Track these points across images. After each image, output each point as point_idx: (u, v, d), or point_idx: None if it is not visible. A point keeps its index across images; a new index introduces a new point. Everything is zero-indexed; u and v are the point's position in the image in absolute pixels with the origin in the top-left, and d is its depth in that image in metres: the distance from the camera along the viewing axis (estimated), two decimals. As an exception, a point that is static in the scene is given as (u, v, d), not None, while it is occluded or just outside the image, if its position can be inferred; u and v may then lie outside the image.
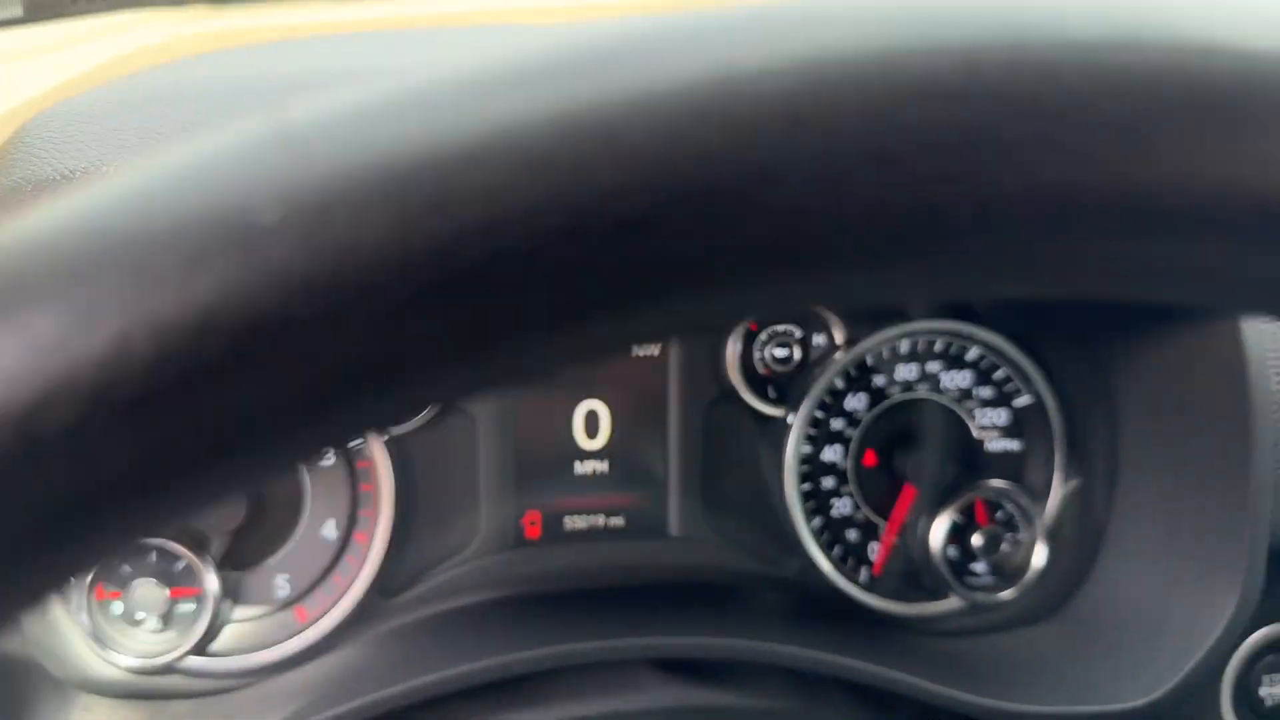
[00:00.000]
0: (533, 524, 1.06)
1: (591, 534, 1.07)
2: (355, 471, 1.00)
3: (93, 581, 0.93)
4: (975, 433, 1.11)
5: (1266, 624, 1.03)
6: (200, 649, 0.95)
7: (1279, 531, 0.94)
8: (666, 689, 0.98)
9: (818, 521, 1.09)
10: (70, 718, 0.87)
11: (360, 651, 0.97)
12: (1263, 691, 1.05)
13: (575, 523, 1.07)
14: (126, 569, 0.95)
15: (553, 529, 1.07)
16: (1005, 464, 1.12)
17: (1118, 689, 0.96)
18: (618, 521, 1.08)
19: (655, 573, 1.07)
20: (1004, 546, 1.09)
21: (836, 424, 1.09)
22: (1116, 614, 1.03)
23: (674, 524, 1.08)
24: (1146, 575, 1.02)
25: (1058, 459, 1.11)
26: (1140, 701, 0.94)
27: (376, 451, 0.99)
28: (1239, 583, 0.92)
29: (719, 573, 1.08)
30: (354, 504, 1.00)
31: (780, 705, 0.95)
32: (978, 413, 1.11)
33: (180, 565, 0.96)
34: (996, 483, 1.09)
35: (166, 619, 0.96)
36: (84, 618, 0.92)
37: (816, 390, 1.07)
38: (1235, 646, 1.01)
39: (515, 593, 1.03)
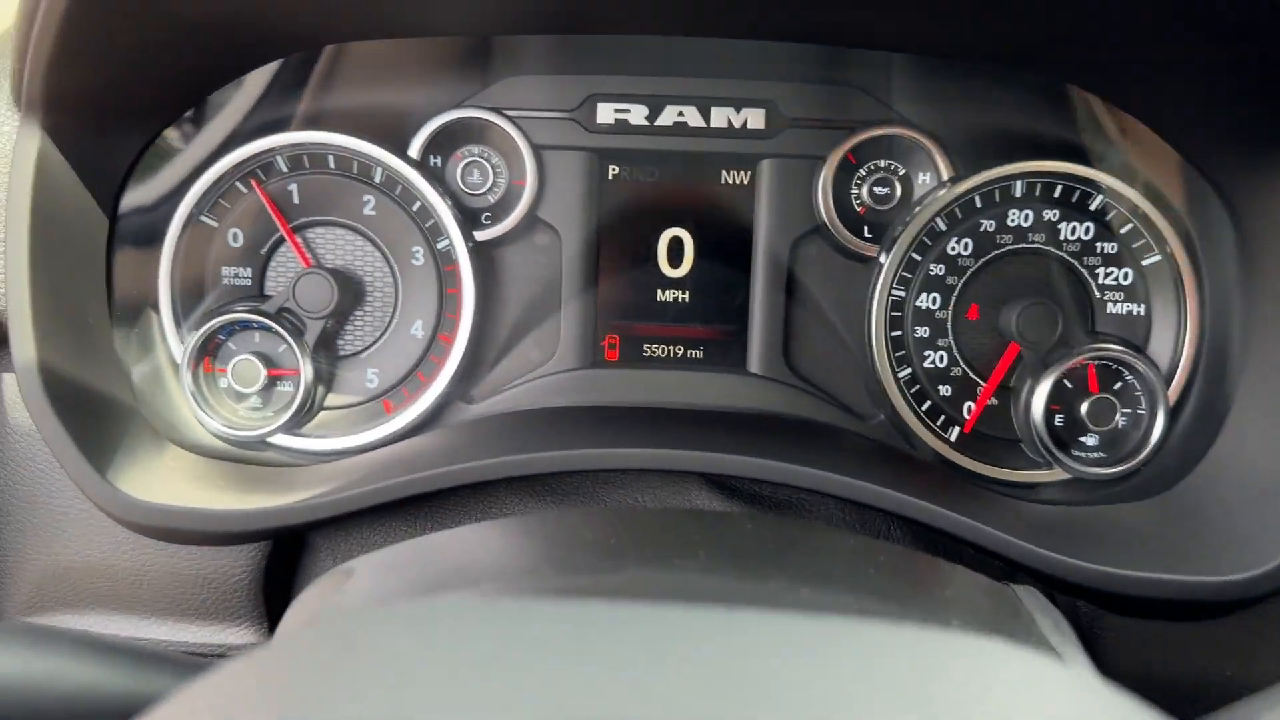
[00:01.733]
0: (612, 346, 1.07)
1: (670, 361, 1.07)
2: (442, 275, 1.04)
3: (200, 354, 1.02)
4: (1095, 292, 1.02)
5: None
6: (291, 428, 1.03)
7: None
8: (716, 503, 0.97)
9: (907, 373, 1.03)
10: (159, 465, 0.96)
11: (433, 439, 1.02)
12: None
13: (654, 349, 1.07)
14: (231, 347, 1.04)
15: (631, 352, 1.07)
16: (1127, 328, 1.02)
17: (1216, 563, 0.86)
18: (697, 353, 1.07)
19: (732, 407, 1.05)
20: (1119, 420, 1.00)
21: (936, 269, 1.02)
22: (1224, 495, 0.93)
23: (754, 361, 1.05)
24: (1264, 458, 0.91)
25: (1190, 326, 1.00)
26: (1239, 576, 0.84)
27: (462, 256, 1.03)
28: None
29: (797, 417, 1.05)
30: (441, 306, 1.04)
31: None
32: (1099, 270, 1.02)
33: (281, 348, 1.04)
34: (1116, 348, 0.99)
35: (265, 398, 1.04)
36: (190, 384, 1.02)
37: (914, 229, 1.01)
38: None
39: (588, 403, 1.04)
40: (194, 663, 0.61)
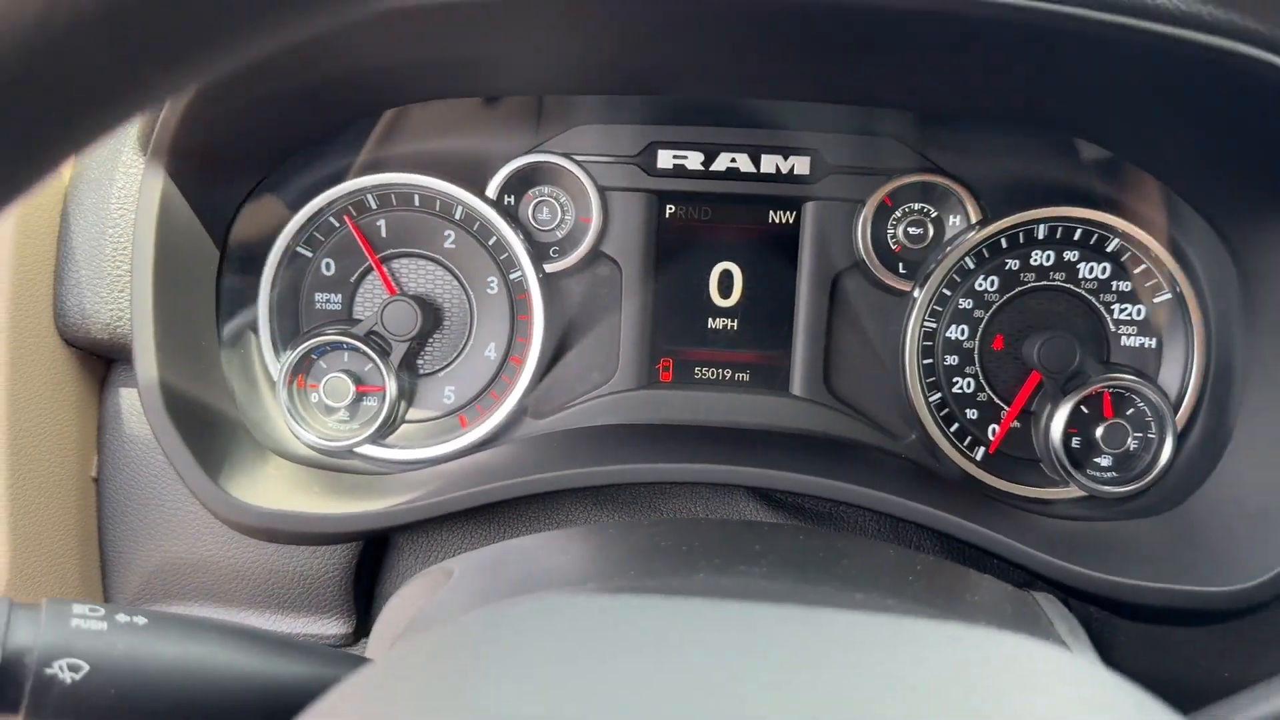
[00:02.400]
0: (666, 369, 1.17)
1: (718, 383, 1.17)
2: (514, 303, 1.15)
3: (295, 372, 1.13)
4: (1110, 325, 1.12)
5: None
6: (376, 439, 1.13)
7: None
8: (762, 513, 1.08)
9: (937, 397, 1.13)
10: (262, 473, 1.07)
11: (504, 452, 1.13)
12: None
13: (704, 373, 1.18)
14: (323, 365, 1.15)
15: (684, 375, 1.17)
16: (1139, 360, 1.11)
17: (1217, 575, 0.96)
18: (744, 375, 1.17)
19: (775, 426, 1.15)
20: (1130, 443, 1.10)
21: (964, 303, 1.12)
22: (1228, 514, 1.02)
23: (797, 384, 1.16)
24: (1261, 481, 1.00)
25: (1196, 358, 1.09)
26: (1237, 586, 0.94)
27: (533, 286, 1.13)
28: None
29: (837, 436, 1.15)
30: (512, 331, 1.15)
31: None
32: (1115, 306, 1.11)
33: (367, 367, 1.14)
34: (1128, 377, 1.09)
35: (353, 412, 1.15)
36: (285, 400, 1.13)
37: (945, 268, 1.11)
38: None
39: (644, 420, 1.15)
40: (330, 651, 0.71)
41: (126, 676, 0.62)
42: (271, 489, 1.05)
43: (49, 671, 0.59)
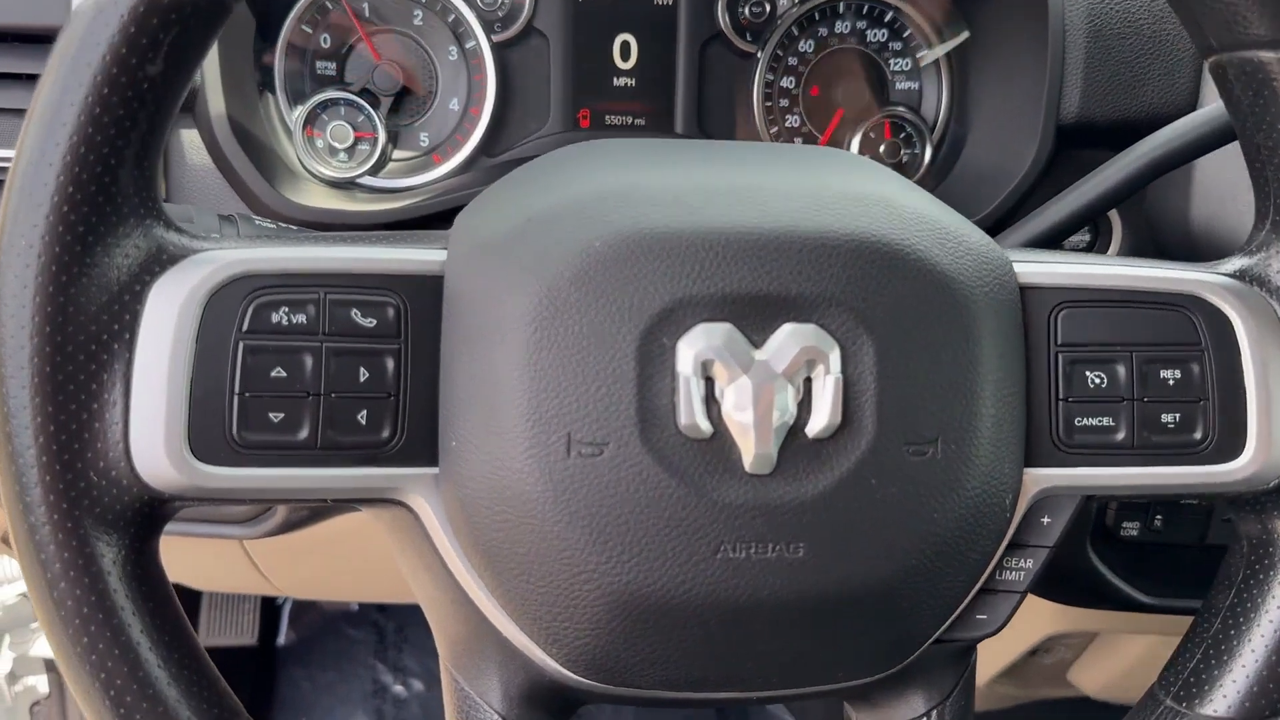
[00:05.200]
0: (585, 118, 1.60)
1: (622, 128, 1.61)
2: (470, 66, 1.54)
3: (306, 123, 1.48)
4: (889, 75, 1.63)
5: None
6: (374, 172, 1.51)
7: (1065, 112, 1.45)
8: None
9: (775, 130, 1.61)
10: (301, 186, 1.43)
11: (469, 178, 1.53)
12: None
13: (613, 119, 1.61)
14: (325, 118, 1.50)
15: (597, 122, 1.60)
16: (907, 99, 1.63)
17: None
18: (640, 121, 1.61)
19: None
20: (903, 154, 1.62)
21: (792, 60, 1.60)
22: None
23: (679, 125, 1.61)
24: (990, 155, 1.54)
25: (944, 96, 1.62)
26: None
27: (485, 53, 1.52)
28: (1035, 145, 1.44)
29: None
30: (469, 89, 1.54)
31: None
32: (891, 60, 1.62)
33: (360, 119, 1.51)
34: (901, 110, 1.60)
35: (351, 154, 1.52)
36: (302, 143, 1.48)
37: (778, 35, 1.58)
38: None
39: None
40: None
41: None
42: (311, 197, 1.41)
43: None
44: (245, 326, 0.73)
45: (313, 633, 2.64)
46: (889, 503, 0.78)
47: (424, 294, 0.76)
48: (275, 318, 0.73)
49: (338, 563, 1.73)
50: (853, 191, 0.84)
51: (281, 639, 2.62)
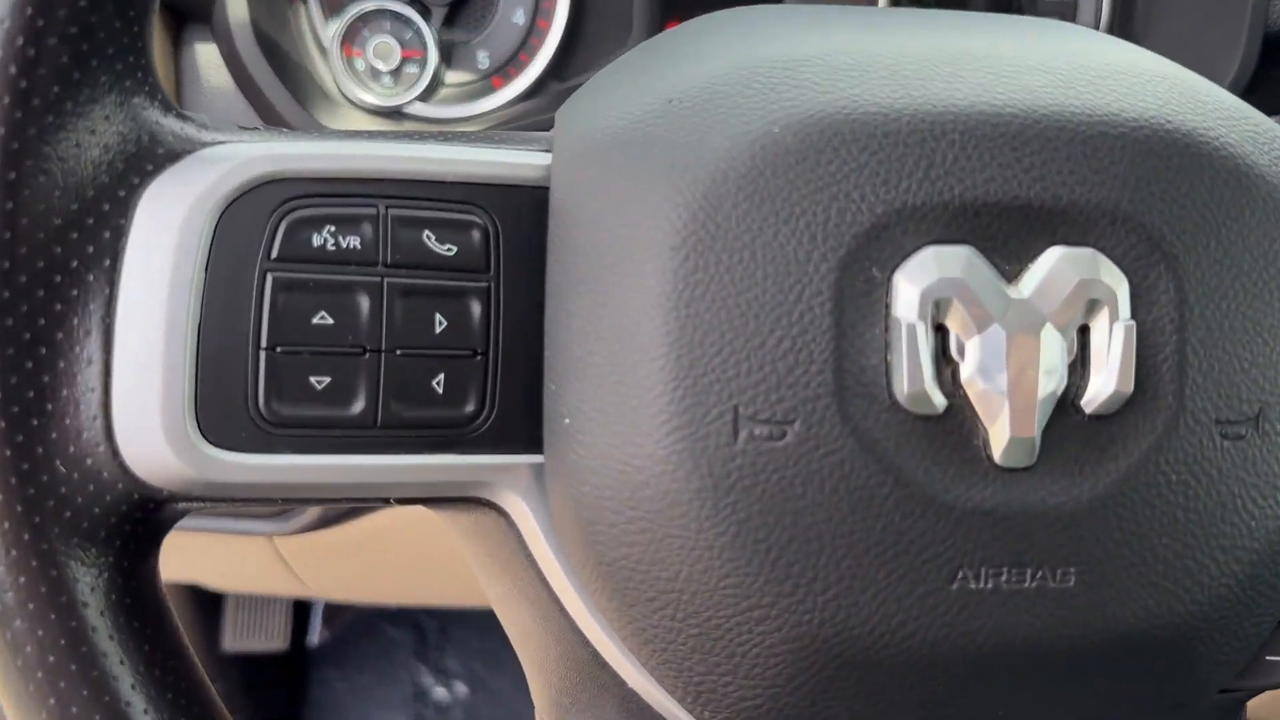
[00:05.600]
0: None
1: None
2: (539, -28, 1.29)
3: (344, 39, 1.24)
4: (1036, -18, 1.37)
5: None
6: (422, 99, 1.26)
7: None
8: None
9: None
10: (339, 114, 1.19)
11: (535, 104, 1.28)
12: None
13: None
14: (366, 34, 1.26)
15: (688, 39, 1.35)
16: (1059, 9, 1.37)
17: None
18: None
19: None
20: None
21: (921, -35, 1.34)
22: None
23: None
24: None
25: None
26: None
27: (556, -44, 1.27)
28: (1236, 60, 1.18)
29: None
30: (537, -1, 1.29)
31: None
32: (1039, -35, 1.36)
33: (408, 35, 1.26)
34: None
35: (396, 77, 1.27)
36: (340, 63, 1.23)
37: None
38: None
39: None
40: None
41: None
42: (346, 121, 1.17)
43: None
44: (276, 252, 0.54)
45: (347, 630, 2.43)
46: (1193, 507, 0.58)
47: (523, 211, 0.57)
48: (317, 240, 0.54)
49: (385, 562, 1.51)
50: (1124, 64, 0.61)
51: (314, 637, 2.41)
